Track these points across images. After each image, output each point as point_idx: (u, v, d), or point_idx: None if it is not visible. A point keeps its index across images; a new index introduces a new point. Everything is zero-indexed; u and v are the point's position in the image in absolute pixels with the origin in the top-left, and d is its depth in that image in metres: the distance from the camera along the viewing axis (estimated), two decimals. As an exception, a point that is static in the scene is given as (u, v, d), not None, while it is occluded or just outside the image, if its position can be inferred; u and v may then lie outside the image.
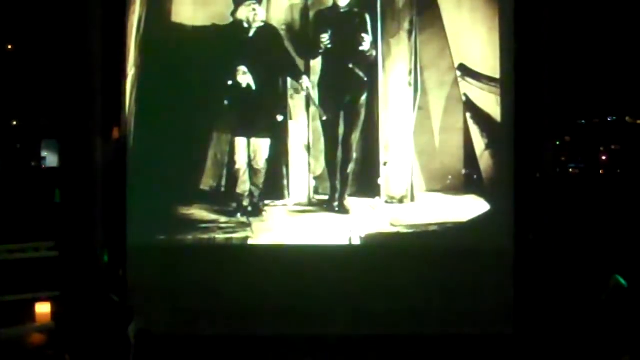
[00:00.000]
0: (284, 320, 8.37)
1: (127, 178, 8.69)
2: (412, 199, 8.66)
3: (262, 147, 8.69)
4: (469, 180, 8.69)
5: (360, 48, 8.58)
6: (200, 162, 8.64)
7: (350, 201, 8.68)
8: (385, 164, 8.65)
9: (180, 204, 8.61)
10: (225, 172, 8.69)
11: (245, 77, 8.65)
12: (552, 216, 9.00)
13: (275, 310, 8.42)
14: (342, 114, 8.66)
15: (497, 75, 8.65)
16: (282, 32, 8.65)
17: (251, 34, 8.63)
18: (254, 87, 8.67)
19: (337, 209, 8.66)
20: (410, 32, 8.65)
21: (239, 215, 8.66)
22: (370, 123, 8.68)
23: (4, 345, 7.75)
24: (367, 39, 8.59)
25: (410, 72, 8.64)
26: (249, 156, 8.69)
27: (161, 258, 8.56)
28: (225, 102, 8.65)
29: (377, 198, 8.67)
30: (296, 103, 8.66)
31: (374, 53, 8.63)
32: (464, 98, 8.66)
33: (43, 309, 8.45)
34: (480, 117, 8.66)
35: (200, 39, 8.61)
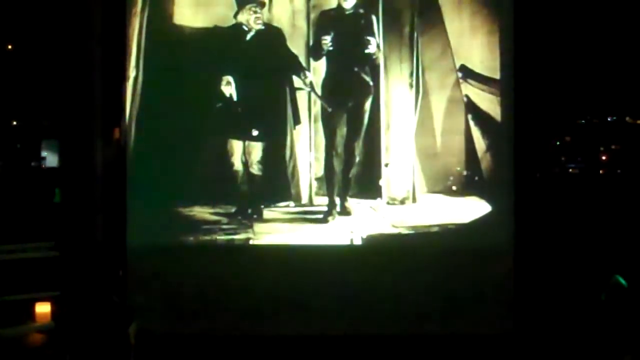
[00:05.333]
0: (284, 320, 8.39)
1: (127, 178, 8.70)
2: (414, 200, 8.66)
3: (263, 148, 8.68)
4: (470, 181, 8.71)
5: (366, 51, 8.54)
6: (200, 163, 8.65)
7: (351, 202, 8.69)
8: (386, 165, 8.65)
9: (181, 204, 8.61)
10: (226, 173, 8.69)
11: (246, 79, 8.65)
12: (552, 216, 9.02)
13: (276, 310, 8.43)
14: (345, 117, 8.64)
15: (498, 76, 8.67)
16: (284, 34, 8.63)
17: (253, 35, 8.62)
18: (255, 89, 8.66)
19: (338, 210, 8.66)
20: (411, 34, 8.64)
21: (240, 216, 8.67)
22: (372, 125, 8.69)
23: (4, 345, 7.75)
24: (374, 41, 8.54)
25: (412, 74, 8.64)
26: (250, 157, 8.68)
27: (161, 258, 8.55)
28: (226, 104, 8.66)
29: (378, 199, 8.67)
30: (298, 104, 8.66)
31: (381, 56, 8.62)
32: (465, 99, 8.67)
33: (43, 309, 8.45)
34: (482, 118, 8.67)
35: (201, 41, 8.61)
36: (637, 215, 9.83)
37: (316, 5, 8.64)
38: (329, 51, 8.53)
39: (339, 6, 8.60)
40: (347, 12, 8.60)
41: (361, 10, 8.61)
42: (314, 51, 8.57)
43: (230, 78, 8.60)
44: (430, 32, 8.68)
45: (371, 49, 8.53)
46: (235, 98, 8.63)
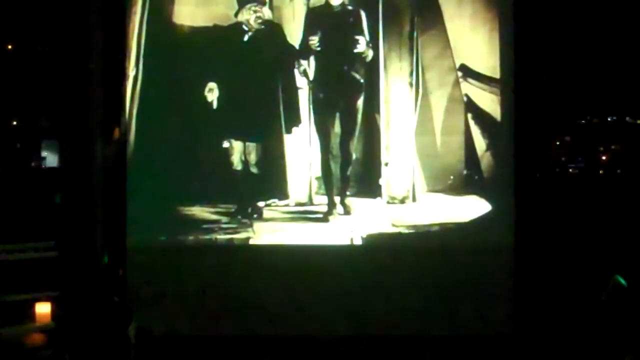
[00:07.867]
0: (285, 320, 8.38)
1: (127, 178, 8.69)
2: (414, 200, 8.66)
3: (262, 147, 8.69)
4: (470, 181, 8.71)
5: (356, 50, 8.46)
6: (200, 163, 8.65)
7: (351, 201, 8.68)
8: (386, 164, 8.65)
9: (181, 204, 8.61)
10: (226, 172, 8.69)
11: (245, 79, 8.65)
12: (552, 216, 9.02)
13: (276, 310, 8.42)
14: (338, 115, 8.60)
15: (498, 75, 8.67)
16: (284, 31, 8.62)
17: (253, 34, 8.61)
18: (254, 88, 8.66)
19: (338, 209, 8.66)
20: (411, 33, 8.63)
21: (240, 215, 8.67)
22: (371, 124, 8.68)
23: (4, 345, 7.74)
24: (362, 40, 8.46)
25: (412, 73, 8.63)
26: (250, 157, 8.69)
27: (161, 258, 8.56)
28: (225, 103, 8.66)
29: (378, 198, 8.67)
30: (297, 103, 8.65)
31: (371, 54, 8.55)
32: (465, 99, 8.67)
33: (43, 309, 8.44)
34: (482, 117, 8.67)
35: (201, 40, 8.61)
36: (637, 215, 9.84)
37: (316, 2, 8.63)
38: (317, 51, 8.48)
39: (327, 3, 8.51)
40: (334, 9, 8.50)
41: (349, 7, 8.52)
42: (303, 51, 8.52)
43: (227, 78, 8.59)
44: (430, 31, 8.67)
45: (360, 47, 8.44)
46: (234, 97, 8.62)
